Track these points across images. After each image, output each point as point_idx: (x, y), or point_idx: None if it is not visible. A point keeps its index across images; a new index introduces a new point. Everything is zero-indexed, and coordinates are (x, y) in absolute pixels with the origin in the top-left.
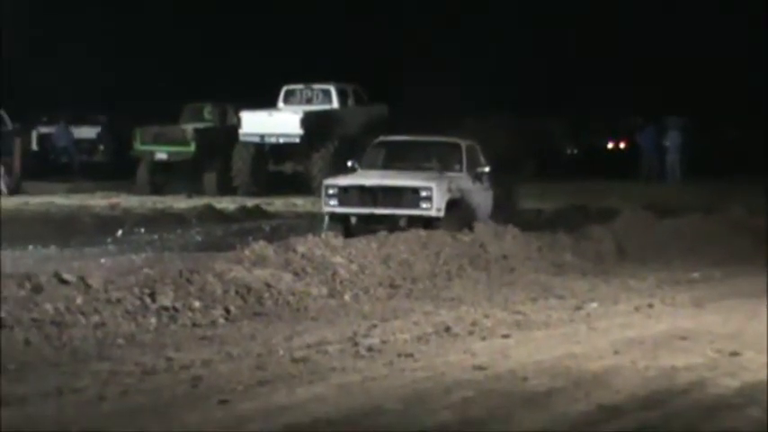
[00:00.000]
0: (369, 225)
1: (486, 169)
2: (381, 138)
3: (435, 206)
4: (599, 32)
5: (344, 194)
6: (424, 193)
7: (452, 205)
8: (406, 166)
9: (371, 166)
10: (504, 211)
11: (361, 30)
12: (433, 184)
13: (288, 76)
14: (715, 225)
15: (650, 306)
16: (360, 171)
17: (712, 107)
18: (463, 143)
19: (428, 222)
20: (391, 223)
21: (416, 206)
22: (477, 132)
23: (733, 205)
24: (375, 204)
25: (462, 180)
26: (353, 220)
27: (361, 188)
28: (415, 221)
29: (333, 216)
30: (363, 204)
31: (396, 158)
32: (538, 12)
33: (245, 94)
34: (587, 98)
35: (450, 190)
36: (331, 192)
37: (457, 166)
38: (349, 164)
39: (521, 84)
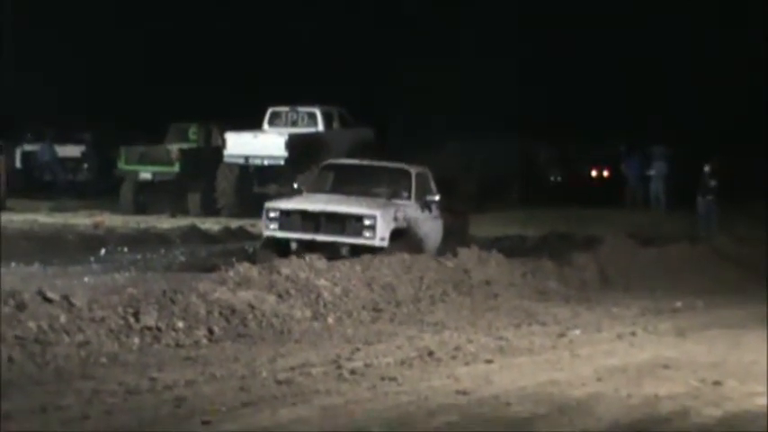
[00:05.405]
0: (310, 252)
1: (436, 198)
2: (330, 161)
3: (379, 235)
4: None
5: (286, 218)
6: (367, 222)
7: (397, 235)
8: (354, 192)
9: (318, 189)
10: (456, 241)
11: (352, 53)
12: (377, 213)
13: (274, 98)
14: (699, 254)
15: (633, 334)
16: (305, 194)
17: (699, 137)
18: (413, 170)
19: (371, 252)
20: (333, 251)
21: (359, 235)
22: (459, 156)
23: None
24: (317, 231)
25: (410, 208)
26: (294, 245)
27: (304, 213)
28: (357, 250)
29: (272, 240)
30: (305, 230)
31: (343, 183)
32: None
33: (231, 115)
34: (571, 125)
35: (395, 219)
36: (272, 215)
37: (405, 194)
38: (295, 185)
39: (504, 108)
